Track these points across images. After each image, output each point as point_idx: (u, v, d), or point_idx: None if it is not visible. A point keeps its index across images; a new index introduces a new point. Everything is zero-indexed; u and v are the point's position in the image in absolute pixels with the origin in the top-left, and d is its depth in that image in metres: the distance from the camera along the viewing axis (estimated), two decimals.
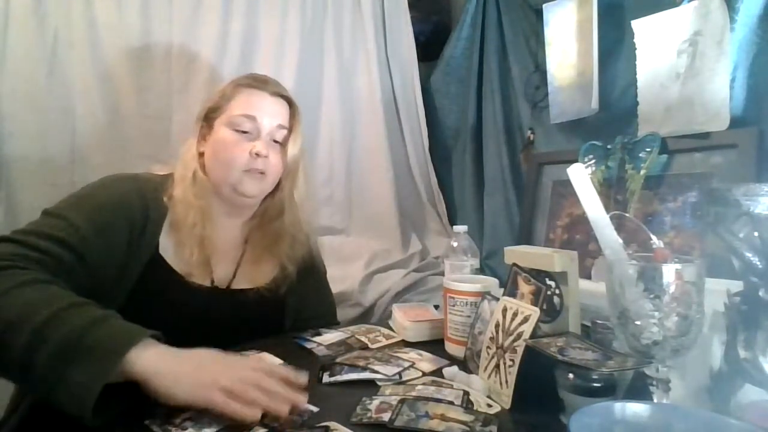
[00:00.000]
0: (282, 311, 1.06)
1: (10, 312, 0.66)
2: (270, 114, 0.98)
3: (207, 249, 0.94)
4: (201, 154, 0.99)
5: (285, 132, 1.00)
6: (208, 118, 1.00)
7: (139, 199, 0.90)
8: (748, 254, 0.59)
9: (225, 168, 0.95)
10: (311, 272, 1.10)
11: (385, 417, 0.65)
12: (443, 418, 0.65)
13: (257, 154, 0.94)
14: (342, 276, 1.49)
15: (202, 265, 0.94)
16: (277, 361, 0.85)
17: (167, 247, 0.92)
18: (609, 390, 0.63)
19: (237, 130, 0.96)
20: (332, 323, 1.16)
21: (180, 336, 0.88)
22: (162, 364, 0.65)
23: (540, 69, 1.50)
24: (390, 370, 0.82)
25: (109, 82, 1.38)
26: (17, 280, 0.69)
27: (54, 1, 1.32)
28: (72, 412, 0.61)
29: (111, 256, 0.84)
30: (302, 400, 0.67)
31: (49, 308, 0.66)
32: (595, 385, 0.62)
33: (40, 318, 0.64)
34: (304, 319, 1.09)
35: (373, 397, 0.72)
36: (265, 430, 0.62)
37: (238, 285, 1.00)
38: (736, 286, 0.61)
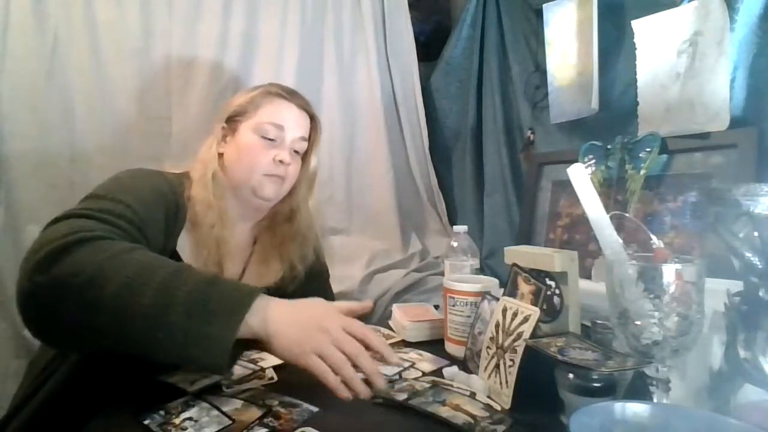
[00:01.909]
0: None
1: (128, 270, 0.64)
2: (295, 125, 1.03)
3: (222, 250, 0.96)
4: (220, 155, 1.01)
5: (305, 144, 1.06)
6: (232, 120, 1.02)
7: (172, 196, 0.91)
8: (748, 254, 0.59)
9: (248, 171, 0.99)
10: (317, 275, 1.14)
11: (404, 396, 0.69)
12: (456, 408, 0.66)
13: (281, 161, 0.99)
14: (342, 276, 1.49)
15: (216, 265, 0.95)
16: (277, 361, 0.85)
17: (184, 245, 0.93)
18: (609, 390, 0.63)
19: (263, 137, 0.99)
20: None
21: None
22: (276, 326, 0.66)
23: (540, 69, 1.50)
24: (390, 369, 0.82)
25: (109, 82, 1.38)
26: (121, 246, 0.68)
27: (54, 1, 1.32)
28: (206, 366, 0.64)
29: (156, 245, 0.83)
30: (381, 383, 0.67)
31: (164, 269, 0.65)
32: (595, 385, 0.62)
33: (159, 278, 0.63)
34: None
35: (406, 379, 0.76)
36: (266, 430, 0.62)
37: (245, 280, 1.02)
38: (736, 286, 0.61)
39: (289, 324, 0.66)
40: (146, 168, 0.95)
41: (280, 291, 1.01)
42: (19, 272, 0.66)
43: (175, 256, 0.91)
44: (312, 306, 0.72)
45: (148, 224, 0.80)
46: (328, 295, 1.21)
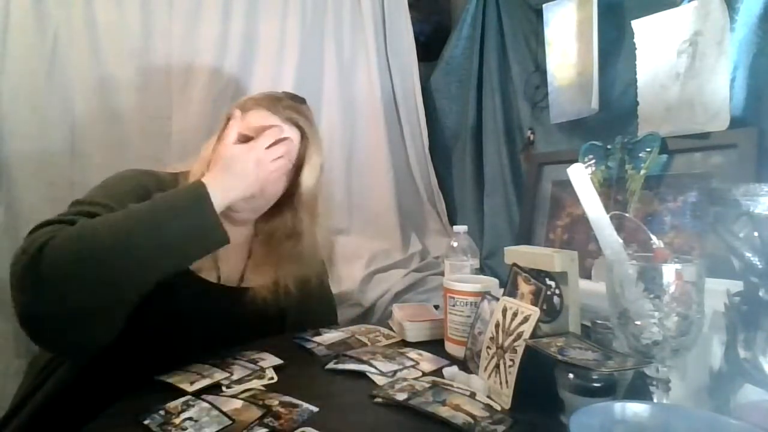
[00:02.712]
0: (282, 315, 1.06)
1: (110, 222, 0.76)
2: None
3: None
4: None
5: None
6: (226, 122, 0.98)
7: (157, 188, 0.91)
8: (748, 254, 0.59)
9: None
10: (316, 287, 1.09)
11: (404, 396, 0.69)
12: (457, 408, 0.66)
13: None
14: (342, 276, 1.49)
15: (209, 259, 0.95)
16: (277, 361, 0.85)
17: None
18: (609, 390, 0.63)
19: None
20: (333, 323, 1.16)
21: (183, 329, 0.89)
22: (227, 193, 0.84)
23: (540, 69, 1.50)
24: (387, 367, 0.82)
25: (109, 82, 1.38)
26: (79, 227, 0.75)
27: (54, 1, 1.32)
28: (210, 244, 0.82)
29: None
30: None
31: (131, 212, 0.78)
32: (595, 385, 0.62)
33: (136, 217, 0.77)
34: (304, 323, 1.09)
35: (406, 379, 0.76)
36: (266, 430, 0.62)
37: (245, 284, 1.02)
38: (736, 286, 0.61)
39: (232, 183, 0.86)
40: (138, 168, 0.96)
41: (274, 295, 1.00)
42: (10, 291, 0.71)
43: None
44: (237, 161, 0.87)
45: None
46: (327, 299, 1.18)
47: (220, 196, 0.82)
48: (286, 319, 1.08)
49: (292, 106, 1.00)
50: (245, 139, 0.93)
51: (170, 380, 0.76)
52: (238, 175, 0.86)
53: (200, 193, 0.80)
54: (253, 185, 0.88)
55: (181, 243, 0.78)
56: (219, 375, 0.78)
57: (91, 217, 0.79)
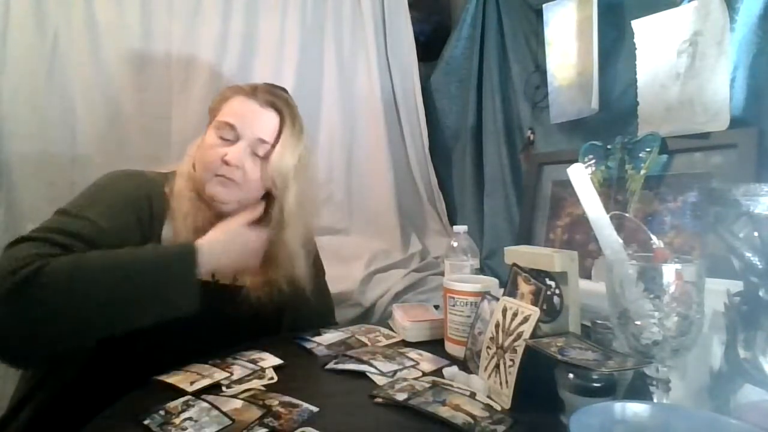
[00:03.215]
0: (279, 313, 1.06)
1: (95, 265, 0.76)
2: (252, 126, 0.95)
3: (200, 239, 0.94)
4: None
5: (266, 146, 0.96)
6: (209, 117, 1.01)
7: (146, 198, 0.91)
8: (748, 254, 0.59)
9: (201, 169, 0.95)
10: (311, 283, 1.06)
11: (404, 396, 0.69)
12: (457, 408, 0.66)
13: (226, 162, 0.92)
14: (342, 276, 1.48)
15: None
16: (277, 361, 0.85)
17: (169, 240, 0.93)
18: (609, 390, 0.63)
19: (221, 137, 0.95)
20: (331, 323, 1.16)
21: (181, 326, 0.89)
22: (217, 262, 0.89)
23: (540, 69, 1.50)
24: (387, 367, 0.82)
25: (109, 82, 1.38)
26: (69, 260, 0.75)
27: (54, 1, 1.32)
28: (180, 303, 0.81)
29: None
30: None
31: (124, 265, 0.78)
32: (595, 385, 0.62)
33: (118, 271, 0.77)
34: (301, 322, 1.08)
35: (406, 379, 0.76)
36: (266, 430, 0.62)
37: (240, 282, 1.01)
38: (736, 286, 0.61)
39: (222, 257, 0.90)
40: (127, 171, 0.95)
41: (269, 295, 0.99)
42: None
43: None
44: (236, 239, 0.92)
45: (110, 234, 0.84)
46: (323, 296, 1.16)
47: (206, 268, 0.86)
48: (283, 317, 1.07)
49: (269, 90, 1.00)
50: (228, 127, 0.94)
51: (170, 380, 0.76)
52: (231, 252, 0.91)
53: (189, 272, 0.83)
54: (241, 263, 0.94)
55: (160, 311, 0.80)
56: (219, 375, 0.78)
57: (76, 236, 0.79)
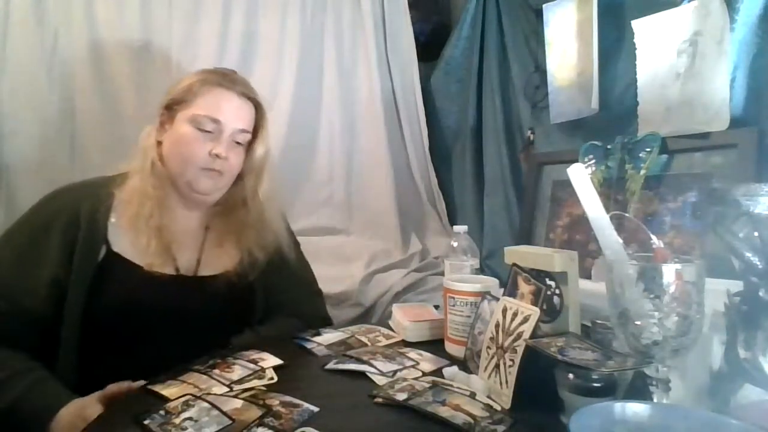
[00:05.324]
0: (253, 296, 1.05)
1: None
2: (235, 117, 0.97)
3: (165, 238, 0.94)
4: (159, 143, 0.97)
5: (247, 135, 1.00)
6: (170, 108, 0.97)
7: (68, 214, 0.91)
8: (748, 254, 0.59)
9: (183, 164, 0.94)
10: (281, 260, 1.07)
11: (404, 396, 0.69)
12: (457, 408, 0.66)
13: (217, 156, 0.94)
14: (342, 276, 1.49)
15: (163, 253, 0.94)
16: (277, 361, 0.85)
17: (122, 242, 0.92)
18: (609, 390, 0.63)
19: (199, 129, 0.94)
20: (314, 295, 1.16)
21: (150, 327, 0.90)
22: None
23: (540, 69, 1.50)
24: (387, 367, 0.82)
25: (109, 82, 1.38)
26: None
27: (54, 1, 1.32)
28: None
29: (37, 287, 0.87)
30: None
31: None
32: (595, 385, 0.62)
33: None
34: (279, 301, 1.08)
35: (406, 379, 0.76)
36: (266, 429, 0.62)
37: (205, 271, 1.00)
38: (736, 286, 0.61)
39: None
40: (57, 190, 0.96)
41: (241, 277, 1.00)
42: None
43: (113, 256, 0.91)
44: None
45: (20, 280, 0.87)
46: (299, 271, 1.13)
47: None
48: (257, 300, 1.05)
49: (242, 80, 1.01)
50: (211, 121, 0.94)
51: (164, 392, 0.73)
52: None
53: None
54: None
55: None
56: (218, 390, 0.75)
57: None
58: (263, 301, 1.06)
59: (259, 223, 1.02)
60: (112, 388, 0.80)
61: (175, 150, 0.95)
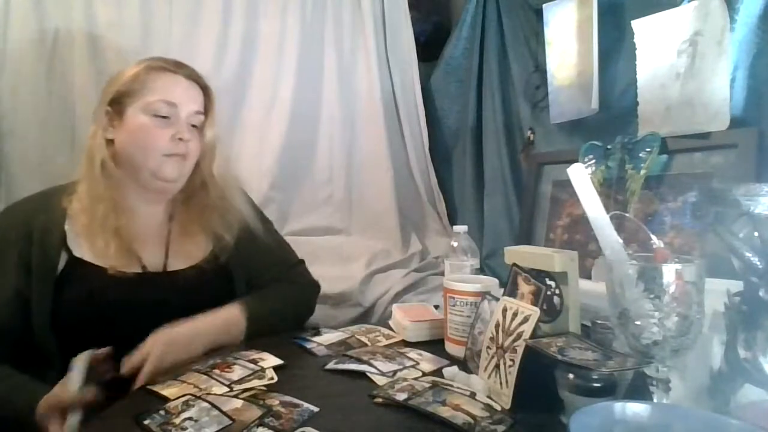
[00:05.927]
0: (229, 280, 1.04)
1: None
2: (188, 99, 0.98)
3: (125, 238, 0.93)
4: (109, 142, 0.95)
5: (201, 117, 1.00)
6: (117, 103, 0.95)
7: (17, 230, 0.91)
8: (748, 254, 0.59)
9: (144, 154, 0.93)
10: (250, 235, 1.07)
11: (404, 396, 0.69)
12: (457, 408, 0.66)
13: (180, 139, 0.94)
14: (342, 276, 1.48)
15: (125, 254, 0.93)
16: (277, 361, 0.85)
17: (83, 247, 0.92)
18: (609, 390, 0.63)
19: (156, 116, 0.94)
20: (295, 265, 1.15)
21: (123, 327, 0.88)
22: None
23: (540, 69, 1.50)
24: (387, 367, 0.82)
25: None
26: None
27: (54, 1, 1.32)
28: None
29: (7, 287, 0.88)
30: None
31: None
32: (595, 385, 0.62)
33: None
34: (257, 278, 1.07)
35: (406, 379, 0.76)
36: (266, 429, 0.62)
37: (174, 266, 0.99)
38: (736, 286, 0.61)
39: None
40: (9, 205, 0.98)
41: (213, 263, 1.00)
42: None
43: (76, 261, 0.91)
44: None
45: None
46: (269, 244, 1.11)
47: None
48: (236, 284, 1.04)
49: (186, 65, 1.02)
50: (167, 105, 0.94)
51: (164, 392, 0.74)
52: None
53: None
54: None
55: None
56: (218, 390, 0.75)
57: None
58: (242, 284, 1.06)
59: (220, 202, 1.02)
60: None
61: (133, 143, 0.94)
